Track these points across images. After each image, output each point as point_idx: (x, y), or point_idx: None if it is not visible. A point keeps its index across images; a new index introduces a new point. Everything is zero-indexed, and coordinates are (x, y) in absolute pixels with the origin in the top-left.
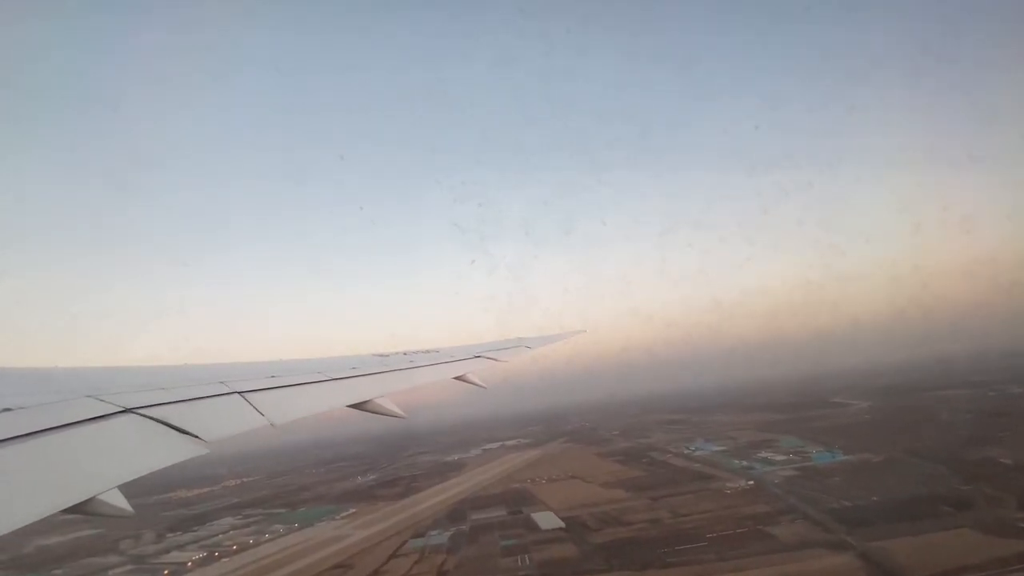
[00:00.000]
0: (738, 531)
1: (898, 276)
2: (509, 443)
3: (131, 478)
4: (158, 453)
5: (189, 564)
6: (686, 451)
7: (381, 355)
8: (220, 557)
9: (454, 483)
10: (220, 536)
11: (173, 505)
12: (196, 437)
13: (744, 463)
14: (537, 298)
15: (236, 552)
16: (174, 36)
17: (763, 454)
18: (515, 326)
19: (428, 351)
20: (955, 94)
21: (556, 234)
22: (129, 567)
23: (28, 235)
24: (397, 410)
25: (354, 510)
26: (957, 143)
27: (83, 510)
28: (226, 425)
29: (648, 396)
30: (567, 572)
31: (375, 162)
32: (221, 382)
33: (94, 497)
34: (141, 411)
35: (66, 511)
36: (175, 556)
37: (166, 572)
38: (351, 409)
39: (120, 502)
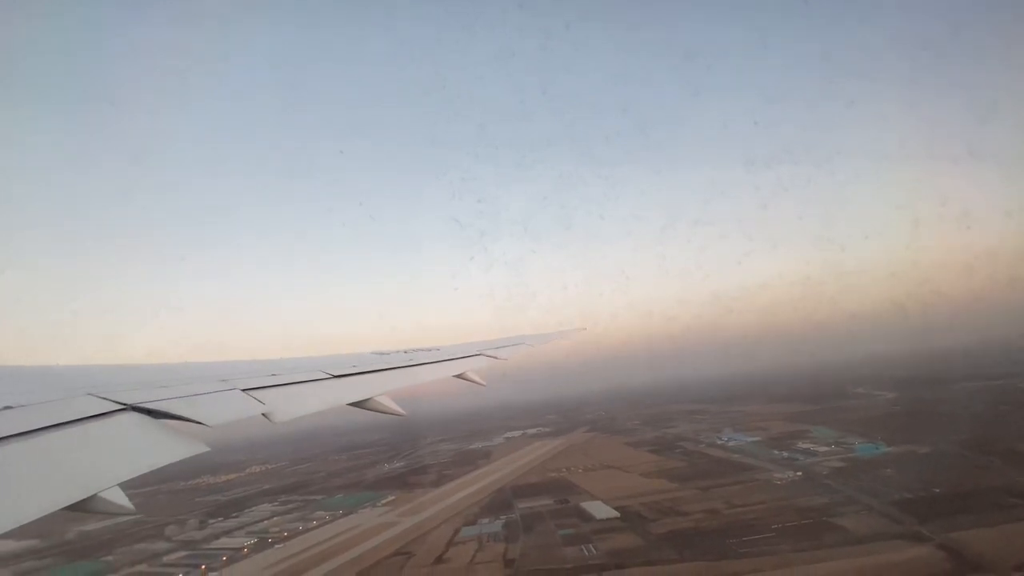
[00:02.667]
0: (803, 522)
1: (902, 267)
2: (530, 432)
3: (132, 476)
4: (158, 451)
5: (244, 550)
6: (719, 441)
7: (381, 353)
8: (273, 543)
9: (487, 471)
10: (265, 522)
11: (203, 491)
12: (200, 424)
13: (785, 454)
14: (537, 294)
15: (288, 538)
16: (170, 30)
17: (803, 445)
18: (515, 322)
19: (429, 349)
20: (955, 90)
21: (555, 229)
22: (182, 553)
23: (27, 232)
24: (398, 408)
25: (393, 497)
26: (957, 139)
27: (84, 507)
28: (226, 420)
29: (655, 387)
30: (638, 561)
31: (374, 157)
32: (222, 380)
33: (95, 495)
34: (142, 408)
35: (67, 508)
36: (225, 542)
37: (224, 558)
38: (351, 407)
39: (121, 500)
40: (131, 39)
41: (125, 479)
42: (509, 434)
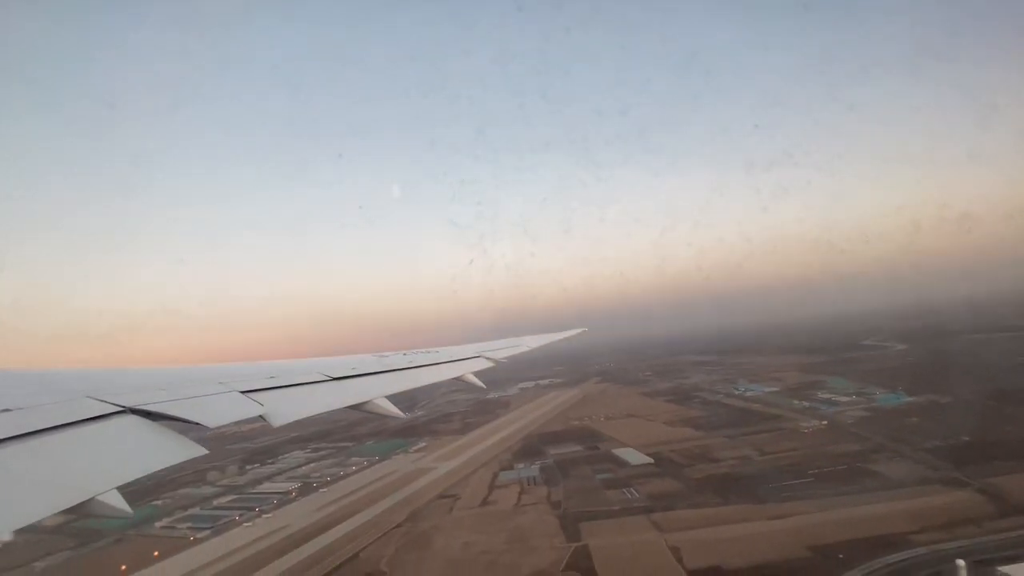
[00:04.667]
0: (839, 468)
1: (902, 222)
2: (542, 383)
3: (130, 479)
4: (157, 454)
5: (293, 494)
6: (736, 392)
7: (380, 355)
8: (318, 487)
9: (510, 419)
10: (303, 468)
11: (231, 440)
12: (198, 425)
13: (806, 404)
14: (537, 295)
15: (332, 483)
16: (173, 33)
17: (823, 395)
18: (515, 324)
19: (428, 351)
20: (954, 93)
21: (555, 231)
22: (231, 497)
23: (27, 234)
24: (397, 411)
25: (424, 444)
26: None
27: (82, 510)
28: (224, 421)
29: (657, 340)
30: (684, 504)
31: (373, 160)
32: (220, 382)
33: (93, 498)
34: (140, 412)
35: (65, 511)
36: (268, 487)
37: (275, 501)
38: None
39: (119, 503)
40: (132, 41)
41: (123, 482)
42: (522, 384)
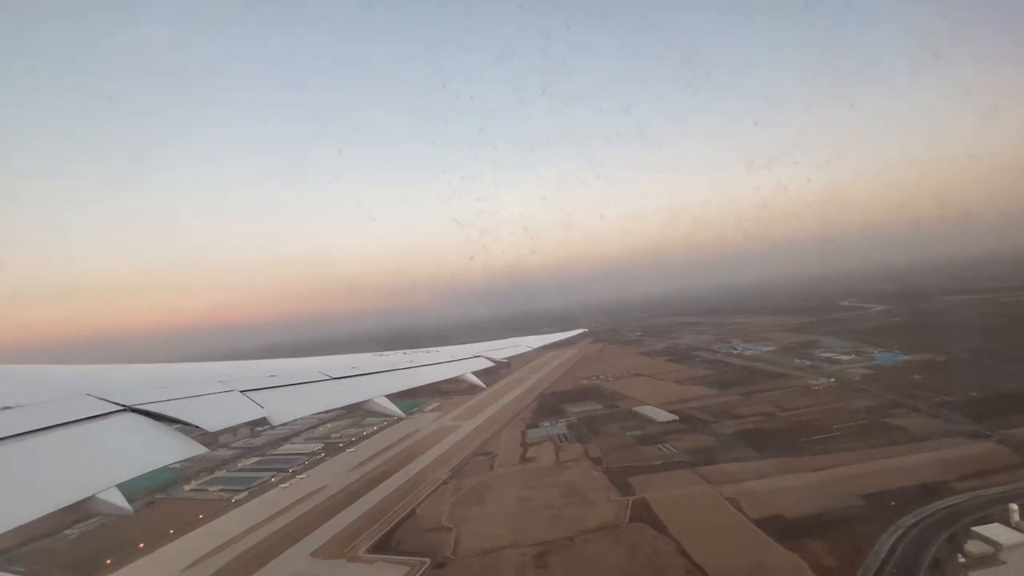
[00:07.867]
0: (861, 423)
1: (872, 187)
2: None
3: (130, 477)
4: (156, 452)
5: (320, 454)
6: (734, 351)
7: (380, 354)
8: (344, 447)
9: (516, 380)
10: (320, 429)
11: None
12: (196, 427)
13: (808, 362)
14: (537, 295)
15: (356, 442)
16: (173, 29)
17: (823, 354)
18: (515, 321)
19: (427, 350)
20: (955, 92)
21: (555, 229)
22: (254, 459)
23: (26, 229)
24: (396, 410)
25: (437, 404)
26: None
27: (83, 508)
28: (225, 423)
29: (635, 301)
30: (725, 459)
31: (374, 156)
32: (220, 381)
33: (93, 495)
34: (140, 410)
35: (65, 509)
36: (290, 448)
37: (304, 462)
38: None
39: (119, 501)
40: (133, 38)
41: (123, 480)
42: None
